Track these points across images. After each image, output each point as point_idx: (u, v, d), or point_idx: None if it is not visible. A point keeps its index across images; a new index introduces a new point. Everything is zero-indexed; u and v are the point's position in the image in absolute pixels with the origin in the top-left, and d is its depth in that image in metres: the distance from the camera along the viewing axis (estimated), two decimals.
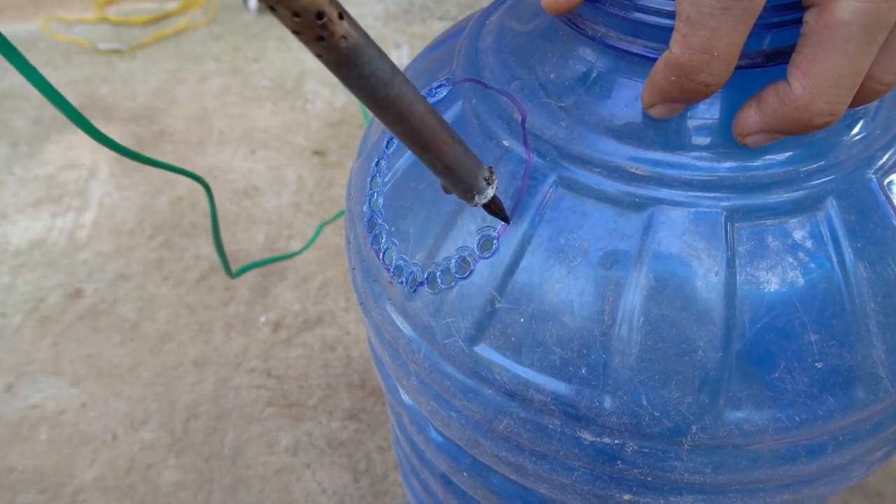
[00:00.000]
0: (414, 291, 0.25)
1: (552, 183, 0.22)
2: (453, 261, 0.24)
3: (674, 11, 0.18)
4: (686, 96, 0.19)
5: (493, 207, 0.21)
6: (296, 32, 0.13)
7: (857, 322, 0.21)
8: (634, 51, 0.21)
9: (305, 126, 1.01)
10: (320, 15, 0.13)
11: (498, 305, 0.23)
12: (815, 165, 0.21)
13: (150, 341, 0.73)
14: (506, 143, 0.24)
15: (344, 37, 0.13)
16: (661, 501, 0.23)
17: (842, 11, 0.16)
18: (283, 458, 0.63)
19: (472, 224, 0.24)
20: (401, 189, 0.27)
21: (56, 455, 0.64)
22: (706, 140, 0.21)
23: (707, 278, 0.21)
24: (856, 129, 0.22)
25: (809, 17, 0.17)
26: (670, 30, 0.18)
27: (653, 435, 0.22)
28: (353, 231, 0.30)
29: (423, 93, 0.27)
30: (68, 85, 1.09)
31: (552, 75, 0.24)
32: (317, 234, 0.73)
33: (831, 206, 0.21)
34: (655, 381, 0.21)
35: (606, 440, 0.22)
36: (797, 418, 0.21)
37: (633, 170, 0.22)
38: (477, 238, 0.23)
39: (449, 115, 0.26)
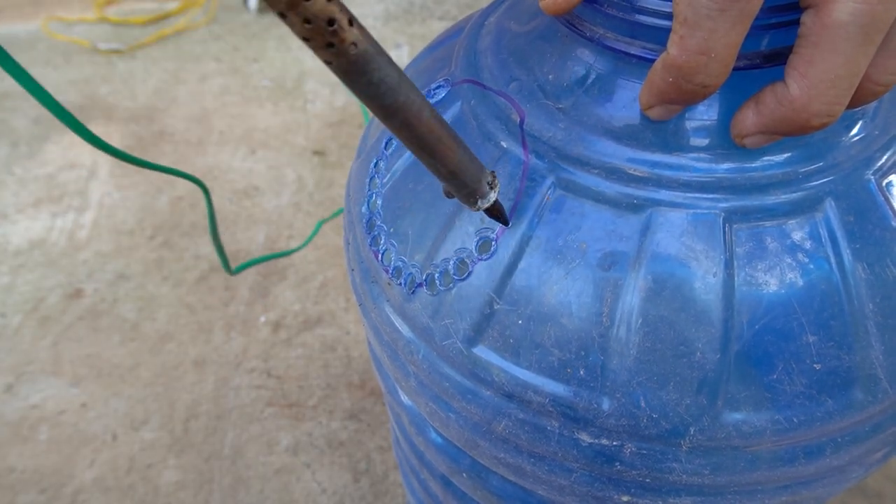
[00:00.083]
0: (412, 293, 0.25)
1: (550, 184, 0.22)
2: (452, 262, 0.24)
3: (671, 13, 0.18)
4: (684, 97, 0.19)
5: (494, 210, 0.21)
6: (305, 39, 0.13)
7: (855, 323, 0.21)
8: (633, 52, 0.21)
9: (305, 126, 1.01)
10: (331, 21, 0.13)
11: (496, 307, 0.23)
12: (813, 166, 0.21)
13: (150, 341, 0.73)
14: (504, 144, 0.24)
15: (354, 43, 0.13)
16: (660, 503, 0.23)
17: (839, 12, 0.16)
18: (283, 458, 0.63)
19: (470, 225, 0.24)
20: (399, 190, 0.27)
21: (56, 455, 0.64)
22: (704, 141, 0.21)
23: (705, 279, 0.21)
24: (854, 130, 0.22)
25: (807, 18, 0.17)
26: (668, 31, 0.18)
27: (651, 436, 0.21)
28: (351, 232, 0.30)
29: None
30: (68, 85, 1.09)
31: (551, 76, 0.24)
32: (315, 231, 0.73)
33: (830, 207, 0.21)
34: (654, 383, 0.21)
35: (605, 441, 0.22)
36: (795, 420, 0.21)
37: (631, 171, 0.22)
38: (475, 239, 0.23)
39: (448, 116, 0.26)
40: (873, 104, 0.23)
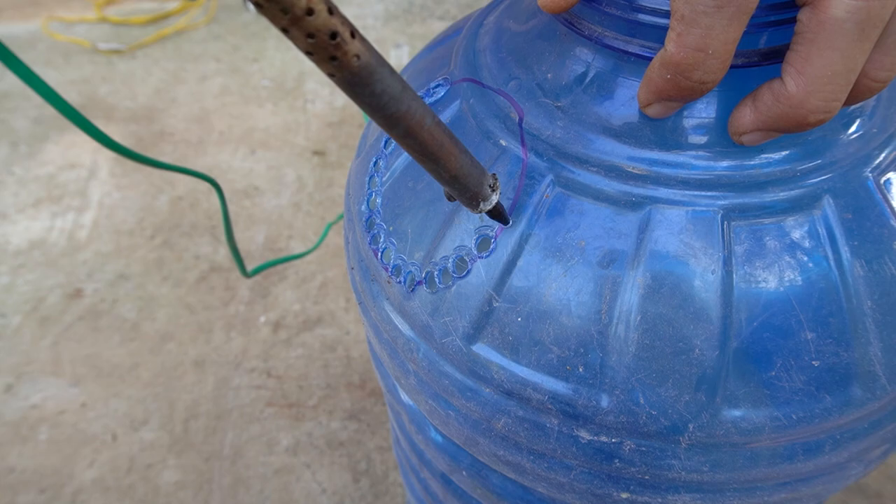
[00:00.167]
0: (412, 291, 0.25)
1: (549, 182, 0.23)
2: (451, 260, 0.24)
3: (669, 11, 0.18)
4: (682, 94, 0.19)
5: (495, 211, 0.22)
6: (309, 53, 0.13)
7: (853, 320, 0.21)
8: (631, 50, 0.21)
9: (305, 126, 1.01)
10: (334, 35, 0.13)
11: (495, 305, 0.23)
12: (811, 164, 0.21)
13: (150, 341, 0.73)
14: (503, 142, 0.24)
15: (357, 55, 0.13)
16: (659, 500, 0.23)
17: (835, 9, 0.16)
18: (283, 458, 0.63)
19: (469, 223, 0.24)
20: (399, 189, 0.27)
21: (56, 455, 0.64)
22: (703, 139, 0.21)
23: (704, 277, 0.21)
24: (852, 128, 0.22)
25: (803, 15, 0.17)
26: (666, 29, 0.18)
27: (650, 433, 0.22)
28: (351, 231, 0.30)
29: (420, 93, 0.27)
30: (68, 85, 1.09)
31: (549, 75, 0.24)
32: (325, 233, 0.73)
33: (828, 204, 0.21)
34: (652, 380, 0.21)
35: (604, 439, 0.22)
36: (794, 417, 0.21)
37: (630, 169, 0.22)
38: (475, 237, 0.23)
39: (447, 115, 0.26)
40: (871, 102, 0.23)
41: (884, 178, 0.22)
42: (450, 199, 0.22)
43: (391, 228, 0.26)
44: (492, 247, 0.23)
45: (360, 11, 1.26)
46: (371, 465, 0.62)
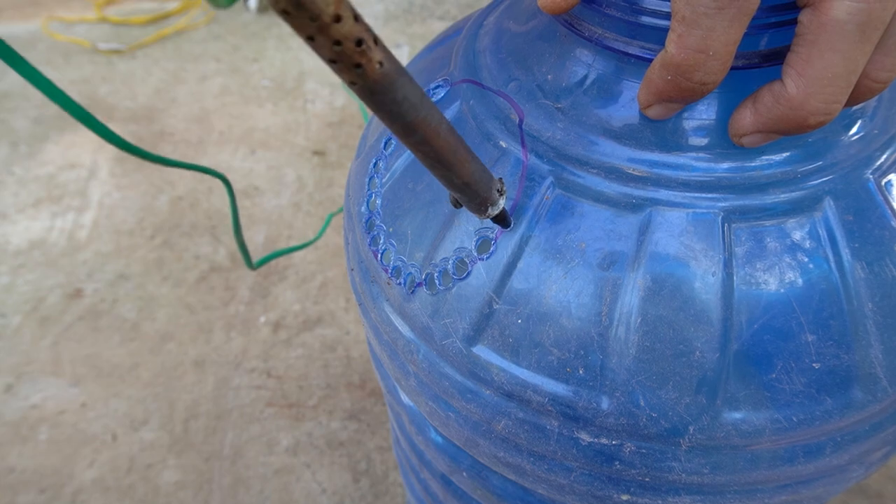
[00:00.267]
0: (412, 292, 0.25)
1: (549, 184, 0.22)
2: (451, 262, 0.24)
3: (670, 12, 0.18)
4: (682, 96, 0.19)
5: (499, 216, 0.21)
6: (332, 62, 0.13)
7: (854, 322, 0.21)
8: (631, 52, 0.21)
9: (305, 126, 1.01)
10: (359, 42, 0.12)
11: (496, 306, 0.23)
12: (812, 166, 0.21)
13: (150, 341, 0.73)
14: (503, 144, 0.24)
15: (380, 62, 0.13)
16: (660, 502, 0.23)
17: (836, 11, 0.16)
18: (283, 458, 0.63)
19: (469, 225, 0.24)
20: (399, 190, 0.27)
21: (56, 455, 0.64)
22: (703, 141, 0.21)
23: (704, 279, 0.21)
24: (853, 130, 0.22)
25: (804, 16, 0.17)
26: (666, 30, 0.18)
27: (650, 436, 0.21)
28: (351, 232, 0.30)
29: None
30: (68, 85, 1.09)
31: (549, 76, 0.24)
32: (327, 222, 0.72)
33: (829, 206, 0.21)
34: (653, 382, 0.21)
35: (604, 441, 0.22)
36: (795, 419, 0.21)
37: (630, 171, 0.22)
38: (475, 239, 0.23)
39: (447, 116, 0.26)
40: (872, 103, 0.23)
41: (885, 180, 0.22)
42: (456, 205, 0.22)
43: (391, 230, 0.26)
44: (492, 248, 0.23)
45: (359, 12, 1.26)
46: (371, 465, 0.62)
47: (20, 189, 0.91)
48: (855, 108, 0.22)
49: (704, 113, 0.21)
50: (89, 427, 0.66)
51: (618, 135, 0.22)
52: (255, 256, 0.81)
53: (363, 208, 0.28)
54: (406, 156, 0.27)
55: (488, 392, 0.24)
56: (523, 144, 0.23)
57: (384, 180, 0.28)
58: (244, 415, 0.66)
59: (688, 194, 0.21)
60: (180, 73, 1.12)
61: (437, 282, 0.24)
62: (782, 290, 0.21)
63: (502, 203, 0.21)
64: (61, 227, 0.86)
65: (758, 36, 0.19)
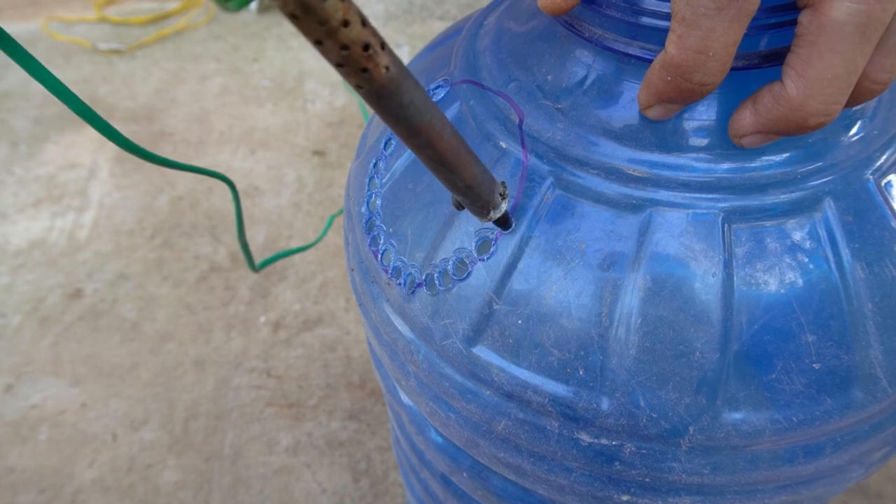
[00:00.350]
0: (412, 293, 0.25)
1: (549, 185, 0.22)
2: (451, 262, 0.24)
3: (669, 13, 0.18)
4: (682, 96, 0.19)
5: (500, 218, 0.21)
6: (339, 65, 0.13)
7: (854, 323, 0.21)
8: (631, 52, 0.21)
9: (305, 126, 1.01)
10: (366, 46, 0.12)
11: (496, 307, 0.23)
12: (812, 166, 0.21)
13: (150, 341, 0.73)
14: (503, 144, 0.24)
15: (387, 67, 0.13)
16: (660, 502, 0.23)
17: (836, 12, 0.16)
18: (283, 458, 0.63)
19: (469, 226, 0.24)
20: (399, 190, 0.27)
21: (56, 455, 0.64)
22: (703, 141, 0.21)
23: (704, 279, 0.21)
24: (853, 130, 0.22)
25: (804, 17, 0.17)
26: (666, 31, 0.18)
27: (650, 436, 0.22)
28: (351, 232, 0.30)
29: None
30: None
31: (549, 77, 0.24)
32: (329, 224, 0.72)
33: (829, 206, 0.21)
34: (653, 383, 0.21)
35: (604, 441, 0.22)
36: (795, 419, 0.21)
37: (630, 171, 0.22)
38: (475, 240, 0.23)
39: (447, 116, 0.26)
40: (872, 104, 0.23)
41: (885, 181, 0.22)
42: (458, 207, 0.22)
43: (391, 230, 0.26)
44: (492, 249, 0.23)
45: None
46: (371, 465, 0.62)
47: (20, 189, 0.91)
48: (855, 108, 0.22)
49: (704, 114, 0.21)
50: (89, 427, 0.66)
51: (618, 135, 0.22)
52: (256, 256, 0.81)
53: (363, 209, 0.28)
54: (406, 156, 0.27)
55: (488, 392, 0.24)
56: (523, 145, 0.23)
57: (384, 181, 0.28)
58: (244, 415, 0.66)
59: (688, 195, 0.21)
60: (180, 73, 1.12)
61: (437, 282, 0.24)
62: (782, 291, 0.21)
63: (504, 206, 0.21)
64: (61, 227, 0.86)
65: (758, 37, 0.19)
